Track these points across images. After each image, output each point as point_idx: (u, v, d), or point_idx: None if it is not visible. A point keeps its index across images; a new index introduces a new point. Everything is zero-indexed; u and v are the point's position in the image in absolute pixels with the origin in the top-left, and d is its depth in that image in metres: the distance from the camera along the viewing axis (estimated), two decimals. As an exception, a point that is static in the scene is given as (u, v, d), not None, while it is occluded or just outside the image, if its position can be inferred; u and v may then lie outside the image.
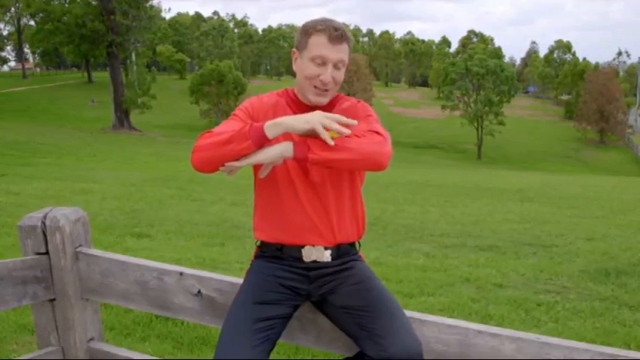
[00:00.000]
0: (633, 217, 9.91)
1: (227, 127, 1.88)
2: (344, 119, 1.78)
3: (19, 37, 74.62)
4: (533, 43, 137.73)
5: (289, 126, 1.78)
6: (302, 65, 1.97)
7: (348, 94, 2.20)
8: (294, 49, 2.02)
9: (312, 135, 1.80)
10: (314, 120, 1.76)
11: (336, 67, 1.94)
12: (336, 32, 1.92)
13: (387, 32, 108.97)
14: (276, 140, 1.82)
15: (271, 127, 1.79)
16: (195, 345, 3.63)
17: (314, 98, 1.96)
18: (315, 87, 1.95)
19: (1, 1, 55.70)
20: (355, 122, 1.79)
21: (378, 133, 1.84)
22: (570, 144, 60.37)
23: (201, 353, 3.53)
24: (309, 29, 1.95)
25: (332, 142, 1.75)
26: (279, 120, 1.80)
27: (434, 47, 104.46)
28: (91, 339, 2.40)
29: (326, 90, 1.95)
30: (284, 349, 3.45)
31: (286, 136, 1.82)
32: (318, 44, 1.92)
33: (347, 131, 1.76)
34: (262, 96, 2.07)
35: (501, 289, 5.14)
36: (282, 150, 1.81)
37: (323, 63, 1.93)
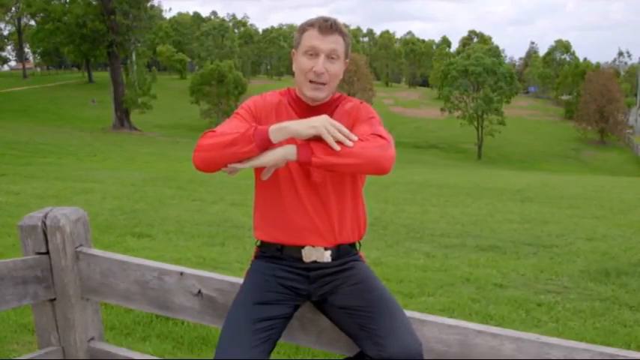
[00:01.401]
0: (633, 217, 9.91)
1: (230, 128, 1.89)
2: (346, 131, 1.79)
3: (19, 36, 74.67)
4: (533, 43, 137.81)
5: (294, 131, 1.79)
6: (297, 62, 1.98)
7: (349, 94, 2.18)
8: (292, 50, 2.03)
9: (315, 139, 1.81)
10: (319, 125, 1.77)
11: (329, 57, 1.94)
12: (325, 23, 1.94)
13: (387, 32, 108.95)
14: (279, 143, 1.83)
15: (276, 131, 1.80)
16: (195, 345, 3.64)
17: (310, 93, 1.96)
18: (310, 81, 1.95)
19: (2, 0, 55.72)
20: (356, 138, 1.80)
21: (381, 136, 1.83)
22: (570, 144, 60.38)
23: (202, 353, 3.53)
24: (303, 26, 1.98)
25: (338, 148, 1.76)
26: (284, 124, 1.81)
27: (434, 47, 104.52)
28: (92, 339, 2.40)
29: (322, 83, 1.95)
30: (284, 349, 3.45)
31: (290, 139, 1.83)
32: (310, 37, 1.95)
33: (349, 143, 1.77)
34: (266, 95, 2.08)
35: (502, 289, 5.15)
36: (286, 153, 1.82)
37: (315, 54, 1.94)
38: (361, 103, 2.04)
